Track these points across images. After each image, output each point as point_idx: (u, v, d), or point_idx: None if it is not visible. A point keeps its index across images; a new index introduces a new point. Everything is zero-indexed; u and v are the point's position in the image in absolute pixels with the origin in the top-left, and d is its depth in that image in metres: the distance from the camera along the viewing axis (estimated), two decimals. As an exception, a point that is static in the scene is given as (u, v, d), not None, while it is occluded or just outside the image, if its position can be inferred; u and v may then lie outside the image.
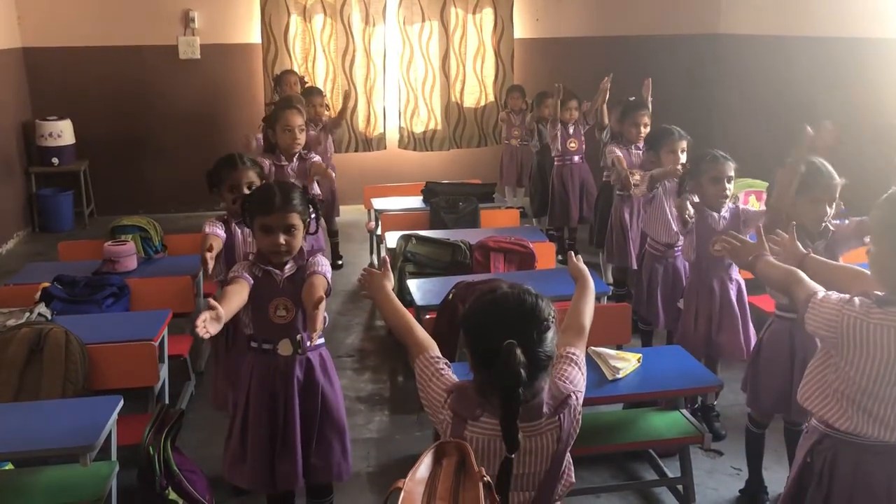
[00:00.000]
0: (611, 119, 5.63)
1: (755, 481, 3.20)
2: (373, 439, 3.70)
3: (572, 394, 1.79)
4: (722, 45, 8.12)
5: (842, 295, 2.01)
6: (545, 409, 1.75)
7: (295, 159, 4.25)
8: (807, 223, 2.82)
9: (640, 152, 4.76)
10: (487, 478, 1.48)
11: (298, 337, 2.62)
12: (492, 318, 1.73)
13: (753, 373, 3.06)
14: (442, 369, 1.88)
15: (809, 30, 6.64)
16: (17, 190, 7.12)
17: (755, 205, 5.04)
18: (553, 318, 1.75)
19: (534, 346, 1.68)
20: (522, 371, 1.59)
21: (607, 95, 5.59)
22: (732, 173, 3.48)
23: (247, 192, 3.14)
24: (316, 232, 2.81)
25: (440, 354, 1.93)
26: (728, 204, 3.51)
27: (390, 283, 2.18)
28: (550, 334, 1.73)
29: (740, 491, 3.25)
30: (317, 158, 4.37)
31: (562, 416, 1.76)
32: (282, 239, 2.56)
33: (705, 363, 3.44)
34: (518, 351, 1.60)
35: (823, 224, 2.87)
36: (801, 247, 2.42)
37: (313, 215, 2.71)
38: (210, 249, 2.85)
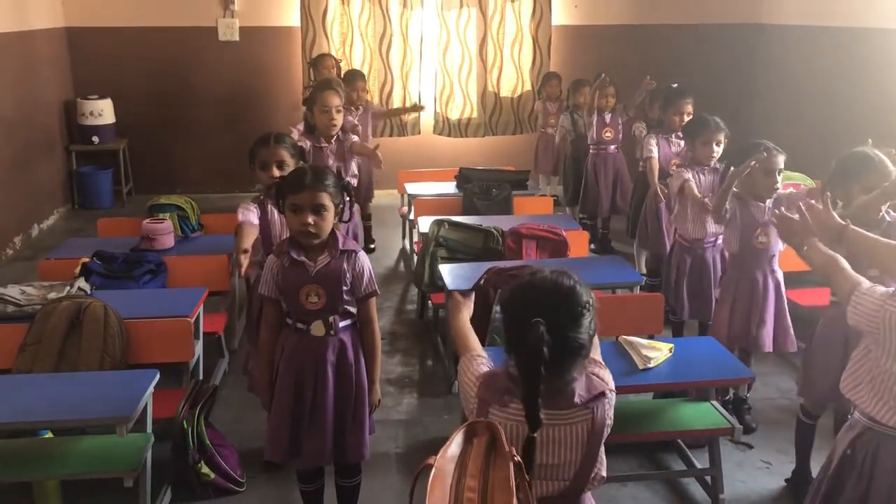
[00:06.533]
0: (650, 109, 5.59)
1: (802, 471, 3.17)
2: (401, 421, 3.73)
3: (607, 391, 1.79)
4: (765, 35, 7.98)
5: (887, 288, 1.96)
6: (577, 399, 1.74)
7: (333, 141, 4.26)
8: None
9: (682, 142, 4.70)
10: (518, 458, 1.48)
11: (331, 319, 2.63)
12: (526, 298, 1.75)
13: (808, 360, 3.02)
14: (477, 358, 1.90)
15: (855, 20, 6.50)
16: (59, 167, 7.25)
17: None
18: (590, 305, 1.75)
19: (565, 330, 1.68)
20: (546, 350, 1.59)
21: (645, 94, 5.60)
22: (783, 165, 3.43)
23: (276, 170, 3.14)
24: (350, 219, 2.79)
25: (481, 352, 1.94)
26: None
27: (469, 312, 2.18)
28: (586, 321, 1.72)
29: (786, 480, 3.23)
30: (355, 139, 4.37)
31: (595, 408, 1.75)
32: (310, 218, 2.52)
33: (739, 355, 3.41)
34: (543, 329, 1.60)
35: (881, 213, 2.78)
36: (837, 217, 2.33)
37: (347, 201, 2.66)
38: (245, 252, 2.82)
